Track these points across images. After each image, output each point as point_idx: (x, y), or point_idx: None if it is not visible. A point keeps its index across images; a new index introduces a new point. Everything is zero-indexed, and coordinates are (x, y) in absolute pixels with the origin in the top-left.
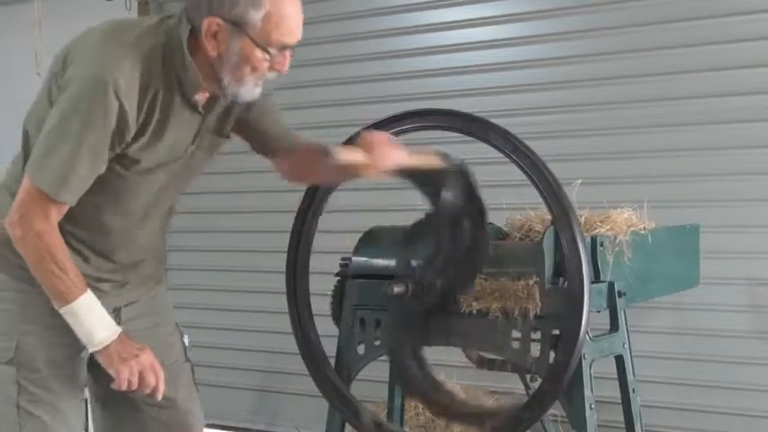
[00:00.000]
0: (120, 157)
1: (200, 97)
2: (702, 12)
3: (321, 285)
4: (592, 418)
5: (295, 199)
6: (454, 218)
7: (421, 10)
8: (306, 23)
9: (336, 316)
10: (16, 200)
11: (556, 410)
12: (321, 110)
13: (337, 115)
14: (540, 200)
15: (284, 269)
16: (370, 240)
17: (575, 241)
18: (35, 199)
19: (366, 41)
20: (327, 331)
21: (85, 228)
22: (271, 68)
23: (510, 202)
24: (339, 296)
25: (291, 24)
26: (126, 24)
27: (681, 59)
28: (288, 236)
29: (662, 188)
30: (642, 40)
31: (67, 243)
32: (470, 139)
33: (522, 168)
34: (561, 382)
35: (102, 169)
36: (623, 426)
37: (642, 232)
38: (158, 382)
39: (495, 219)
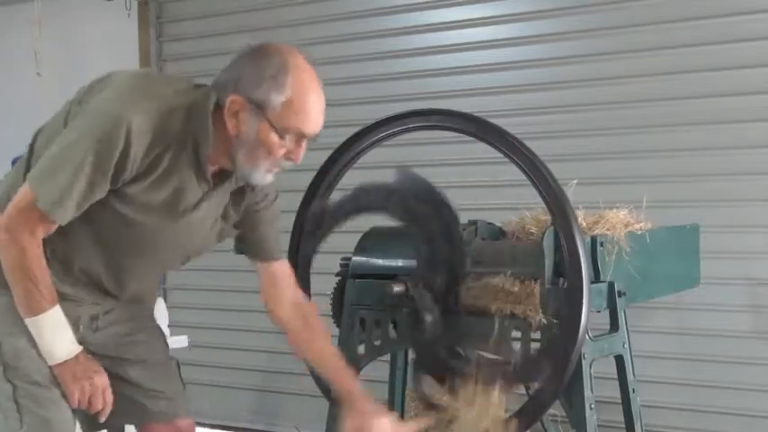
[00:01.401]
0: (118, 193)
1: (212, 169)
2: (702, 12)
3: (321, 285)
4: (592, 418)
5: (295, 199)
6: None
7: (421, 10)
8: (306, 23)
9: (336, 316)
10: (10, 204)
11: (556, 410)
12: None
13: (337, 115)
14: (533, 200)
15: None
16: (370, 240)
17: (575, 241)
18: (28, 209)
19: (366, 41)
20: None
21: (74, 251)
22: (286, 156)
23: (509, 203)
24: (339, 296)
25: (311, 113)
26: (163, 79)
27: (681, 59)
28: (288, 236)
29: (662, 188)
30: (642, 40)
31: (54, 258)
32: (470, 139)
33: (521, 168)
34: (561, 382)
35: (98, 197)
36: (623, 426)
37: (639, 232)
38: (105, 406)
39: (495, 219)
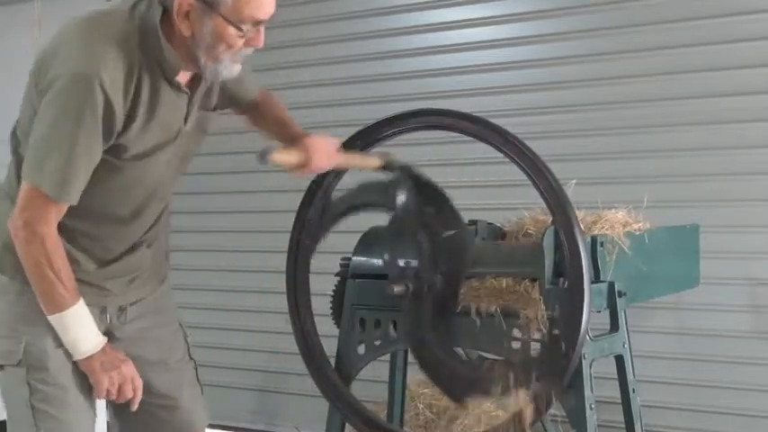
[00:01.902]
0: (116, 147)
1: (182, 77)
2: (702, 12)
3: (321, 285)
4: (592, 418)
5: (295, 199)
6: (418, 217)
7: (421, 10)
8: (306, 23)
9: (336, 316)
10: (17, 204)
11: (556, 410)
12: (321, 110)
13: (337, 115)
14: (532, 200)
15: (284, 269)
16: (370, 240)
17: (575, 241)
18: (37, 202)
19: (366, 41)
20: (327, 331)
21: (88, 220)
22: (246, 44)
23: (509, 203)
24: (339, 296)
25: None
26: (99, 16)
27: (681, 59)
28: (288, 236)
29: (661, 188)
30: (642, 40)
31: (72, 239)
32: (470, 138)
33: (522, 168)
34: (561, 381)
35: (97, 161)
36: (623, 426)
37: (637, 233)
38: (135, 394)
39: (495, 219)
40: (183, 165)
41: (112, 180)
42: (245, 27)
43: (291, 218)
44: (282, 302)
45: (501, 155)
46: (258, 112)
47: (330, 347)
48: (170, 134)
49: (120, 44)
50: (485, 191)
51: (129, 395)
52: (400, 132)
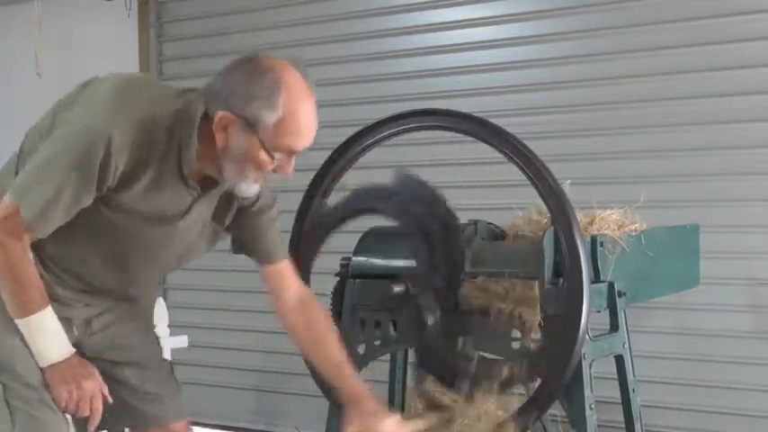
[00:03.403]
0: (106, 199)
1: (194, 176)
2: (702, 12)
3: (321, 285)
4: (592, 418)
5: (295, 199)
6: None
7: (421, 10)
8: (306, 23)
9: (336, 316)
10: None
11: (556, 410)
12: (321, 110)
13: (337, 115)
14: (532, 200)
15: None
16: (370, 240)
17: (574, 241)
18: (14, 217)
19: (366, 41)
20: None
21: (65, 255)
22: (275, 170)
23: (509, 203)
24: (339, 296)
25: (303, 131)
26: (147, 86)
27: (681, 59)
28: (288, 236)
29: (662, 188)
30: (642, 40)
31: (45, 265)
32: (470, 138)
33: (521, 168)
34: (561, 381)
35: (81, 207)
36: (623, 426)
37: (633, 233)
38: (93, 414)
39: (495, 219)
40: (178, 258)
41: (93, 224)
42: (277, 155)
43: (291, 218)
44: None
45: (500, 155)
46: (300, 322)
47: None
48: (163, 217)
49: (146, 117)
50: (485, 191)
51: (86, 413)
52: (400, 132)
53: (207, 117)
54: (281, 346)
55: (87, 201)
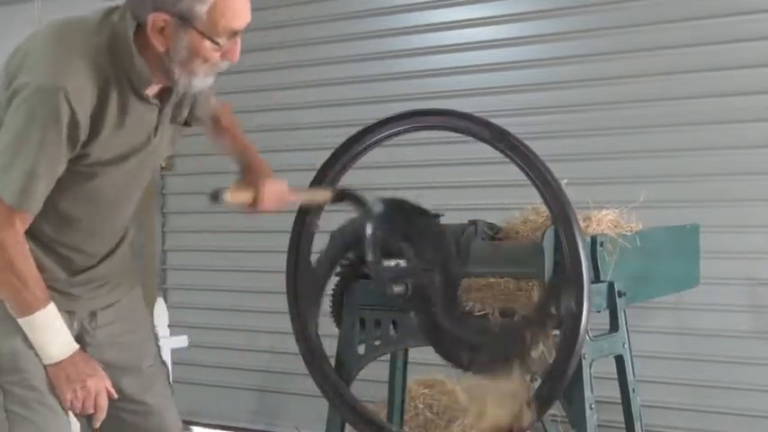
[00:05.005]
0: (82, 155)
1: (152, 90)
2: (702, 12)
3: None
4: (592, 418)
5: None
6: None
7: (421, 10)
8: (306, 23)
9: (336, 316)
10: None
11: (556, 410)
12: (321, 110)
13: (337, 115)
14: (532, 200)
15: (284, 269)
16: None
17: (575, 241)
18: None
19: (366, 41)
20: (327, 331)
21: (57, 227)
22: (222, 57)
23: (509, 203)
24: (339, 296)
25: (238, 10)
26: (70, 25)
27: (681, 59)
28: (288, 236)
29: (661, 188)
30: (642, 40)
31: (42, 246)
32: (469, 138)
33: (521, 168)
34: (561, 382)
35: (61, 171)
36: (623, 426)
37: (629, 234)
38: (98, 412)
39: (495, 219)
40: (151, 171)
41: (80, 186)
42: (220, 40)
43: (291, 218)
44: (282, 302)
45: (500, 155)
46: (218, 130)
47: (330, 347)
48: (138, 144)
49: (87, 55)
50: (485, 191)
51: (90, 411)
52: (401, 132)
53: (141, 28)
54: (281, 346)
55: (64, 160)
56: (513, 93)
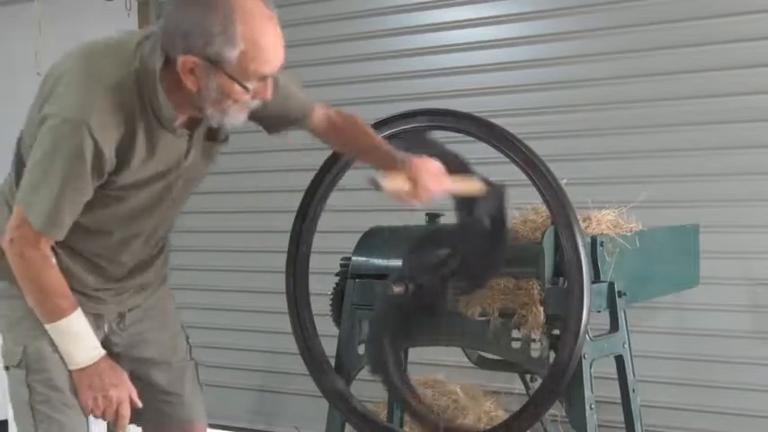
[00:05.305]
0: (111, 182)
1: (182, 118)
2: (702, 12)
3: (321, 285)
4: (592, 418)
5: (295, 199)
6: (479, 232)
7: (421, 10)
8: (306, 23)
9: (336, 316)
10: (10, 222)
11: (556, 410)
12: None
13: None
14: (532, 200)
15: (284, 269)
16: (370, 240)
17: (575, 241)
18: (26, 228)
19: (366, 41)
20: (327, 331)
21: (85, 234)
22: (254, 98)
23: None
24: (339, 296)
25: (269, 56)
26: (103, 53)
27: (681, 59)
28: (288, 236)
29: (661, 188)
30: (642, 40)
31: (73, 257)
32: (470, 138)
33: (521, 168)
34: (561, 382)
35: (87, 198)
36: (623, 426)
37: (629, 234)
38: (119, 421)
39: None
40: (188, 188)
41: (109, 206)
42: (250, 84)
43: (291, 218)
44: (282, 302)
45: (500, 155)
46: (338, 135)
47: (330, 347)
48: (166, 168)
49: (115, 90)
50: None
51: (110, 419)
52: (401, 132)
53: (170, 61)
54: (281, 346)
55: (90, 188)
56: (513, 93)
